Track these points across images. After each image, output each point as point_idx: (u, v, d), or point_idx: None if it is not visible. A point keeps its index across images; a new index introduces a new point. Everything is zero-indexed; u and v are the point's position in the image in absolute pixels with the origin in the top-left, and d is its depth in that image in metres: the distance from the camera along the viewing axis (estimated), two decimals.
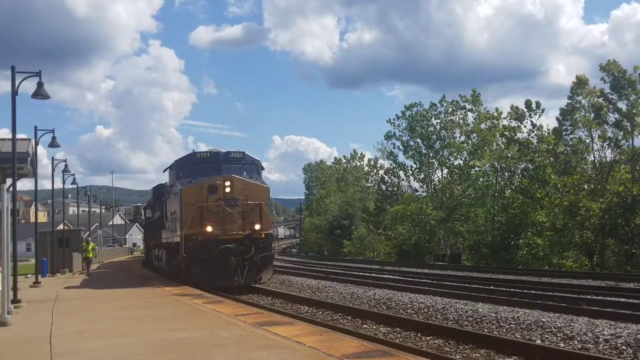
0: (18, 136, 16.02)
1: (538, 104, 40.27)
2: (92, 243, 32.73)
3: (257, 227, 19.50)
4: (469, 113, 50.05)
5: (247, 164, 21.20)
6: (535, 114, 39.96)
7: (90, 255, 31.06)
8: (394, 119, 54.05)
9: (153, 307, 13.73)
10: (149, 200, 35.81)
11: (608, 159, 36.20)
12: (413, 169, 53.66)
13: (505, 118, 43.28)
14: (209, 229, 18.89)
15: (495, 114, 46.27)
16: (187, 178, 20.32)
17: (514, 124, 40.81)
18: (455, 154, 49.46)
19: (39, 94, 17.00)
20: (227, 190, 19.15)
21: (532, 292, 16.70)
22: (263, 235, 19.78)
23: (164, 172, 23.94)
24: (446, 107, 51.15)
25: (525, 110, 40.11)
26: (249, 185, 19.92)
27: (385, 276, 25.39)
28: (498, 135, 43.34)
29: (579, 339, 9.75)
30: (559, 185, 33.64)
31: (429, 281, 21.68)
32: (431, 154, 51.79)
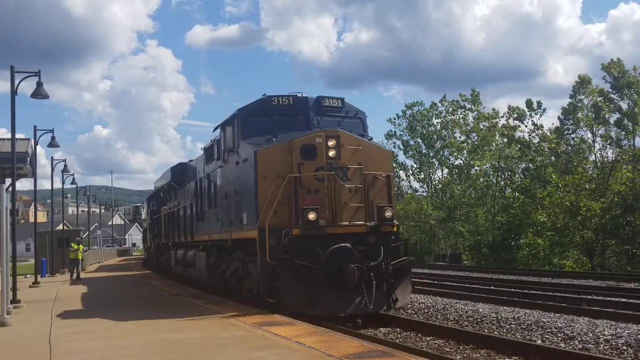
0: (17, 136, 16.01)
1: (539, 104, 40.27)
2: (81, 245, 28.94)
3: (388, 213, 11.86)
4: (469, 113, 50.05)
5: (349, 118, 13.57)
6: (537, 114, 39.97)
7: (79, 257, 27.00)
8: (395, 118, 54.04)
9: (154, 306, 13.72)
10: (156, 191, 28.52)
11: (610, 158, 36.23)
12: (413, 168, 53.66)
13: (502, 117, 43.27)
14: (311, 216, 11.24)
15: (493, 114, 46.27)
16: (259, 135, 12.64)
17: (514, 123, 40.80)
18: (455, 154, 49.44)
19: (39, 93, 16.97)
20: (332, 153, 11.75)
21: (533, 292, 16.68)
22: (395, 228, 12.31)
23: (214, 130, 14.97)
24: (447, 106, 51.13)
25: (527, 109, 40.11)
26: (366, 147, 12.35)
27: None
28: (497, 135, 43.32)
29: (579, 339, 9.72)
30: (560, 185, 33.63)
31: (429, 281, 21.65)
32: (431, 154, 51.77)
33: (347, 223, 11.68)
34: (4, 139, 16.98)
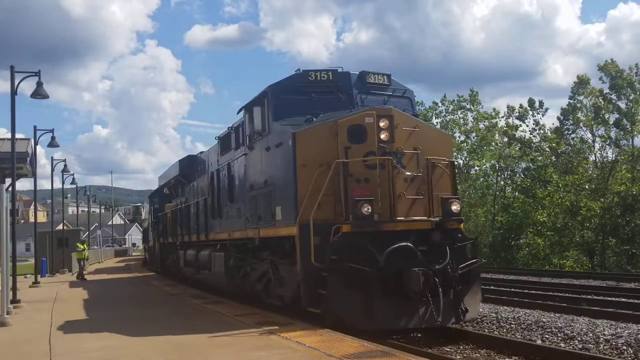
0: (17, 136, 16.01)
1: (541, 103, 40.29)
2: (86, 245, 30.85)
3: (455, 207, 10.07)
4: (468, 112, 50.02)
5: (396, 97, 11.70)
6: (539, 113, 39.98)
7: (85, 257, 28.62)
8: None
9: (153, 307, 13.71)
10: (159, 187, 27.45)
11: (609, 158, 36.27)
12: None
13: (502, 117, 43.26)
14: (366, 210, 9.32)
15: (493, 114, 46.27)
16: (294, 116, 10.87)
17: (515, 122, 40.81)
18: (455, 154, 49.43)
19: (38, 93, 16.98)
20: (384, 135, 9.86)
21: (533, 292, 16.67)
22: (462, 225, 10.61)
23: (238, 113, 12.99)
24: (447, 105, 51.10)
25: (528, 108, 40.13)
26: (423, 128, 10.64)
27: None
28: (497, 135, 43.32)
29: (579, 339, 9.72)
30: (560, 184, 33.64)
31: None
32: None
33: (406, 218, 9.82)
34: (4, 139, 16.98)
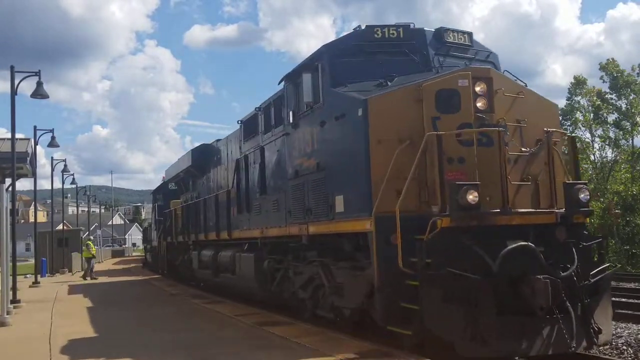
0: (17, 136, 16.01)
1: None
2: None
3: (584, 195, 7.90)
4: None
5: (479, 61, 9.55)
6: None
7: (92, 255, 27.74)
8: None
9: (154, 307, 13.72)
10: (164, 183, 26.36)
11: (609, 158, 36.26)
12: None
13: None
14: (472, 197, 7.21)
15: None
16: (359, 80, 8.85)
17: None
18: None
19: (39, 93, 17.00)
20: (482, 103, 7.85)
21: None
22: (588, 220, 9.21)
23: (279, 83, 10.87)
24: None
25: None
26: (529, 96, 8.41)
27: None
28: None
29: None
30: None
31: None
32: None
33: (524, 210, 7.67)
34: (4, 139, 16.96)
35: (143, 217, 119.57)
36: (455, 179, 7.43)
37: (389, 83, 8.52)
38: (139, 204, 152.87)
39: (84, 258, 28.13)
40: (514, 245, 7.13)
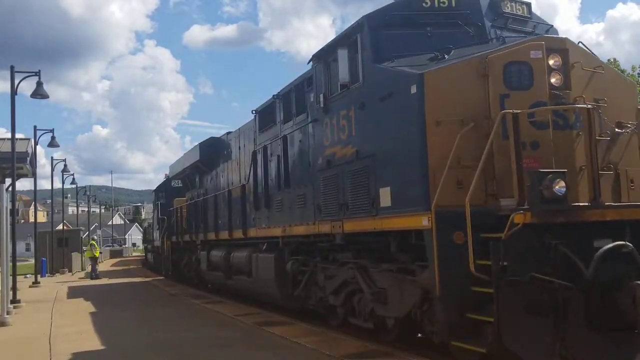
0: (17, 136, 16.01)
1: None
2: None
3: None
4: None
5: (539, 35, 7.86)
6: None
7: (97, 255, 28.63)
8: None
9: (154, 307, 13.72)
10: (167, 180, 25.61)
11: None
12: None
13: None
14: (560, 187, 5.87)
15: None
16: (407, 55, 7.68)
17: None
18: None
19: (39, 93, 17.01)
20: (556, 79, 6.76)
21: None
22: None
23: (308, 62, 9.67)
24: None
25: None
26: (608, 72, 7.50)
27: None
28: None
29: None
30: None
31: None
32: None
33: (619, 204, 6.69)
34: (4, 139, 16.98)
35: (143, 217, 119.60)
36: (529, 167, 6.29)
37: (446, 56, 7.27)
38: (139, 204, 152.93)
39: (87, 258, 28.40)
40: (610, 246, 5.90)
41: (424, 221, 6.48)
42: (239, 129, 14.57)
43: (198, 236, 17.47)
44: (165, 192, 25.52)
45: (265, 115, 12.15)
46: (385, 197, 7.29)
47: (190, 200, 19.53)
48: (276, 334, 8.82)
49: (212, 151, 17.06)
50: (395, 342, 7.90)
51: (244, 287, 13.29)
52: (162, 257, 24.95)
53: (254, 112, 12.79)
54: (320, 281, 9.55)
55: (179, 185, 22.87)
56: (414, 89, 6.78)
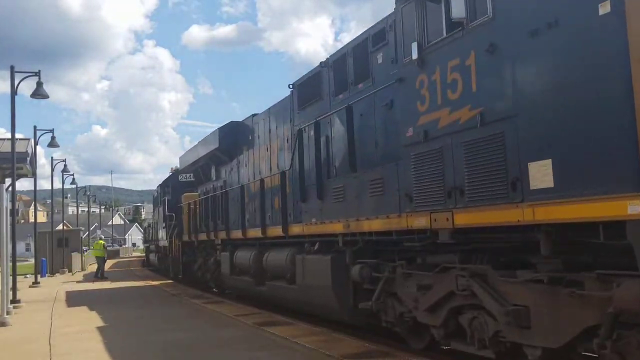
0: (16, 136, 16.02)
1: None
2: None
3: None
4: None
5: None
6: None
7: (104, 255, 27.96)
8: None
9: (154, 307, 13.72)
10: (174, 174, 24.02)
11: None
12: None
13: None
14: None
15: None
16: None
17: None
18: None
19: (39, 93, 17.03)
20: None
21: None
22: None
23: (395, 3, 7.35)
24: None
25: None
26: None
27: None
28: None
29: None
30: None
31: None
32: None
33: None
34: (3, 139, 16.99)
35: (143, 217, 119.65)
36: None
37: None
38: (139, 204, 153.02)
39: (95, 257, 28.24)
40: None
41: (630, 208, 4.35)
42: (268, 109, 12.67)
43: (218, 235, 15.29)
44: (172, 187, 23.49)
45: (307, 89, 10.27)
46: (540, 174, 5.19)
47: (205, 195, 17.49)
48: (276, 334, 8.82)
49: (233, 137, 15.05)
50: (395, 342, 7.90)
51: (282, 296, 11.14)
52: (170, 258, 22.71)
53: (291, 86, 10.95)
54: (401, 291, 7.53)
55: (189, 179, 21.29)
56: (604, 9, 4.66)
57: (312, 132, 9.61)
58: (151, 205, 44.66)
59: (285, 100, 11.48)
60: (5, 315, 11.81)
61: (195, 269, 18.36)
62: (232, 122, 15.58)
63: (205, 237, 16.44)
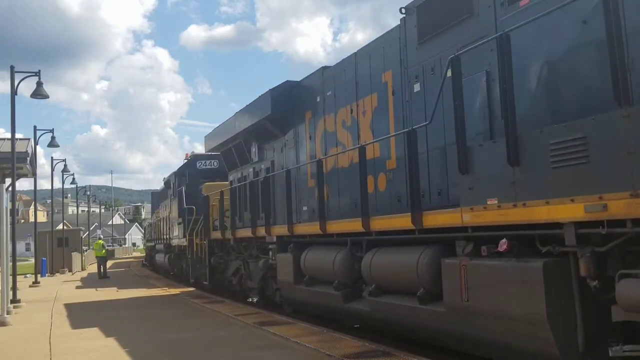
0: (16, 136, 16.00)
1: None
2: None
3: None
4: None
5: None
6: None
7: (104, 254, 27.43)
8: None
9: (154, 306, 13.72)
10: (192, 160, 21.11)
11: None
12: None
13: None
14: None
15: None
16: None
17: None
18: None
19: (39, 93, 17.04)
20: None
21: None
22: None
23: None
24: None
25: None
26: None
27: None
28: None
29: None
30: None
31: None
32: None
33: None
34: (3, 139, 16.96)
35: (143, 217, 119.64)
36: None
37: None
38: (139, 204, 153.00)
39: (96, 257, 28.29)
40: None
41: None
42: (354, 54, 9.38)
43: (271, 230, 11.43)
44: (189, 175, 20.16)
45: (443, 4, 7.18)
46: None
47: (242, 181, 14.12)
48: (276, 334, 8.81)
49: (289, 103, 11.51)
50: (395, 342, 7.90)
51: (406, 322, 7.50)
52: (190, 260, 18.93)
53: (403, 10, 7.84)
54: None
55: (210, 166, 19.00)
56: None
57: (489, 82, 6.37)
58: (151, 206, 44.53)
59: (385, 37, 8.47)
60: (5, 315, 11.81)
61: (229, 274, 14.97)
62: (287, 82, 11.92)
63: (248, 233, 12.61)
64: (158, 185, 28.34)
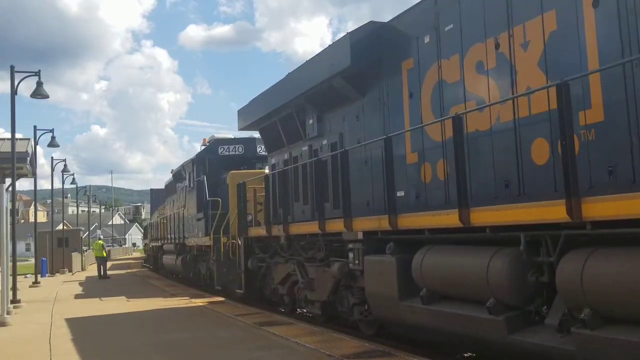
0: (16, 136, 16.00)
1: None
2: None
3: None
4: None
5: None
6: None
7: (104, 255, 27.02)
8: None
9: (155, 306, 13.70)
10: (215, 143, 17.75)
11: None
12: None
13: None
14: None
15: None
16: None
17: None
18: None
19: (39, 93, 17.03)
20: None
21: None
22: None
23: None
24: None
25: None
26: None
27: None
28: None
29: None
30: None
31: None
32: None
33: None
34: (3, 139, 16.95)
35: (143, 217, 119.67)
36: None
37: None
38: (139, 204, 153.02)
39: (96, 258, 28.15)
40: None
41: None
42: None
43: (353, 224, 8.28)
44: (209, 163, 17.48)
45: None
46: None
47: (290, 164, 11.26)
48: (276, 334, 8.81)
49: (375, 51, 8.48)
50: (395, 342, 7.89)
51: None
52: (214, 263, 15.69)
53: None
54: None
55: (235, 152, 16.78)
56: None
57: None
58: (150, 206, 44.47)
59: None
60: (5, 315, 11.81)
61: (275, 283, 11.81)
62: (371, 22, 8.71)
63: (314, 228, 9.32)
64: (158, 185, 28.32)
